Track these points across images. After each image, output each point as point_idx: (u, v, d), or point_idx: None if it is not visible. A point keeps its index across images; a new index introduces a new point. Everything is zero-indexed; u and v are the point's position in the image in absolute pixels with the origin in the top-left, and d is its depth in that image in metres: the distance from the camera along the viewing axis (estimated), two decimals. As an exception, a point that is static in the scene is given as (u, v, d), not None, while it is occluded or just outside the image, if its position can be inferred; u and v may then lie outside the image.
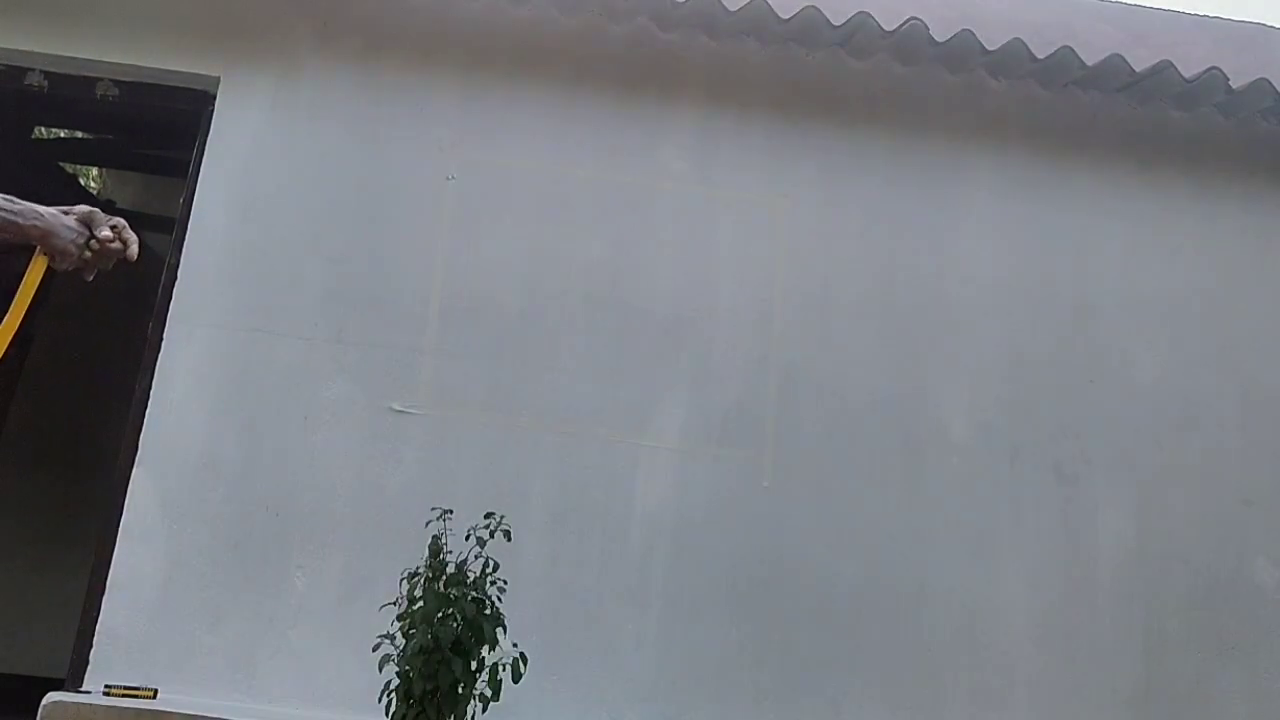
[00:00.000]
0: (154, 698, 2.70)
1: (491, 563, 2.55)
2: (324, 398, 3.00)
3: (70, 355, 4.59)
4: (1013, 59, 3.28)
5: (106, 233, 1.54)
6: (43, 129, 4.41)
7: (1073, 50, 3.23)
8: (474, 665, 2.45)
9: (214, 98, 3.22)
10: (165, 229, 3.81)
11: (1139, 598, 3.09)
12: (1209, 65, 3.25)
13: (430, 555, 2.54)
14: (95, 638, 2.81)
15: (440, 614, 2.44)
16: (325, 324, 3.06)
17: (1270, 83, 3.26)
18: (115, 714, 2.63)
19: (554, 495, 3.00)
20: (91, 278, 1.60)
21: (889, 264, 3.27)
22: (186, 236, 3.10)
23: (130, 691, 2.69)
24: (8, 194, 1.58)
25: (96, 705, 2.65)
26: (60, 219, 1.54)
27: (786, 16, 3.18)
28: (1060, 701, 3.02)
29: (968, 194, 3.36)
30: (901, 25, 3.20)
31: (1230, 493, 3.18)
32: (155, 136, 3.96)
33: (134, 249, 1.57)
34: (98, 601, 2.83)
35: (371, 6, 3.30)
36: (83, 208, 1.57)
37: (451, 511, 2.60)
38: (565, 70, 3.32)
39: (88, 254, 1.53)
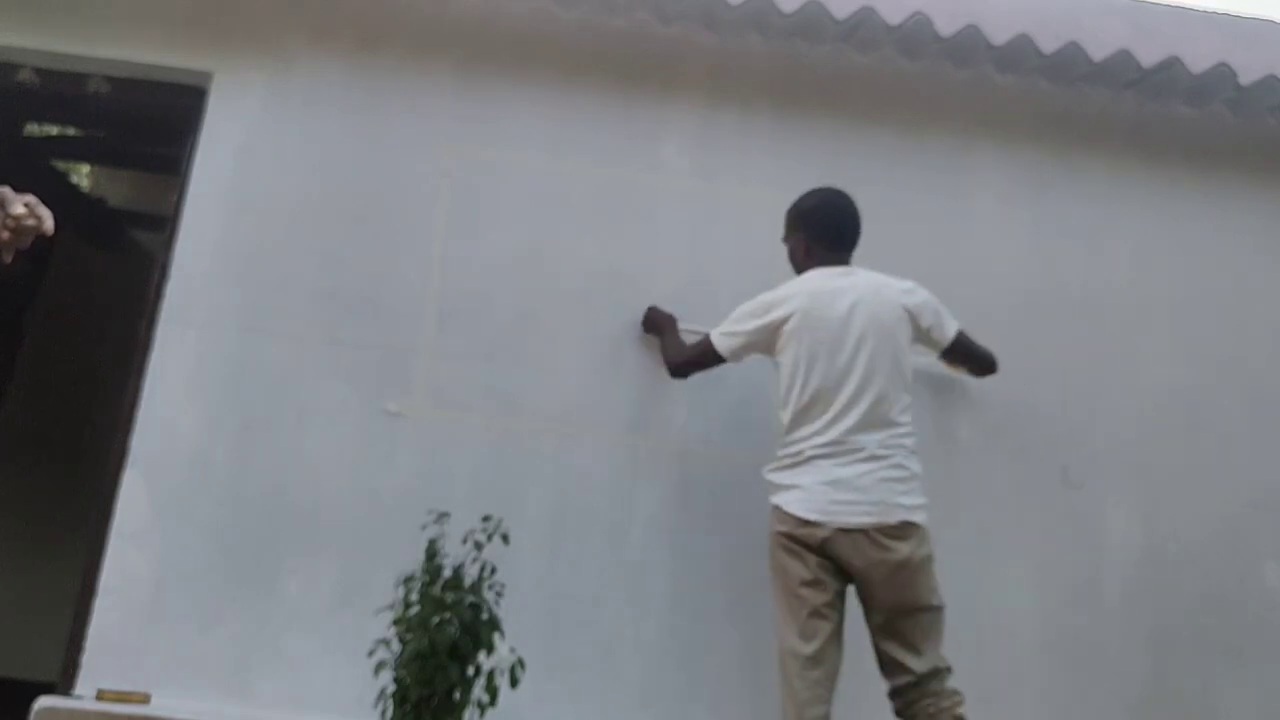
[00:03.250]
0: (147, 703, 2.67)
1: (489, 566, 2.53)
2: (318, 399, 2.96)
3: (61, 355, 4.57)
4: (1019, 54, 3.24)
5: (20, 209, 1.54)
6: (34, 126, 4.38)
7: (1079, 46, 3.19)
8: (471, 670, 2.43)
9: (206, 94, 3.18)
10: (157, 227, 3.78)
11: (1146, 601, 3.06)
12: (1217, 61, 3.22)
13: (426, 559, 2.52)
14: (86, 641, 2.77)
15: (436, 619, 2.42)
16: (319, 324, 3.02)
17: (1279, 79, 3.23)
18: (107, 719, 2.60)
19: (552, 498, 2.96)
20: (10, 258, 1.60)
21: (894, 261, 3.22)
22: (178, 235, 3.06)
23: (123, 696, 2.66)
24: None
25: (89, 710, 2.63)
26: None
27: (789, 10, 3.15)
28: (1065, 706, 2.99)
29: (974, 191, 3.33)
30: (906, 20, 3.16)
31: (1239, 495, 3.14)
32: (147, 133, 3.93)
33: (49, 223, 1.58)
34: (89, 605, 2.80)
35: (366, 1, 3.26)
36: None
37: (448, 514, 2.57)
38: (563, 65, 3.28)
39: (4, 233, 1.54)
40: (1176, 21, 3.51)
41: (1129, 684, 3.00)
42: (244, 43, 3.21)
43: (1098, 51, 3.21)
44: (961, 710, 2.38)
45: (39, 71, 3.25)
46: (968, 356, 2.81)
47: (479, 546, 2.52)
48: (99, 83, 3.26)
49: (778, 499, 2.53)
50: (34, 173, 4.30)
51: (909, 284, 2.68)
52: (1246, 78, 3.23)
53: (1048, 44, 3.21)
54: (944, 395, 3.13)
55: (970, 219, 3.31)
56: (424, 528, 2.56)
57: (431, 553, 2.52)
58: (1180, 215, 3.38)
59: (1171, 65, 3.21)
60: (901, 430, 2.53)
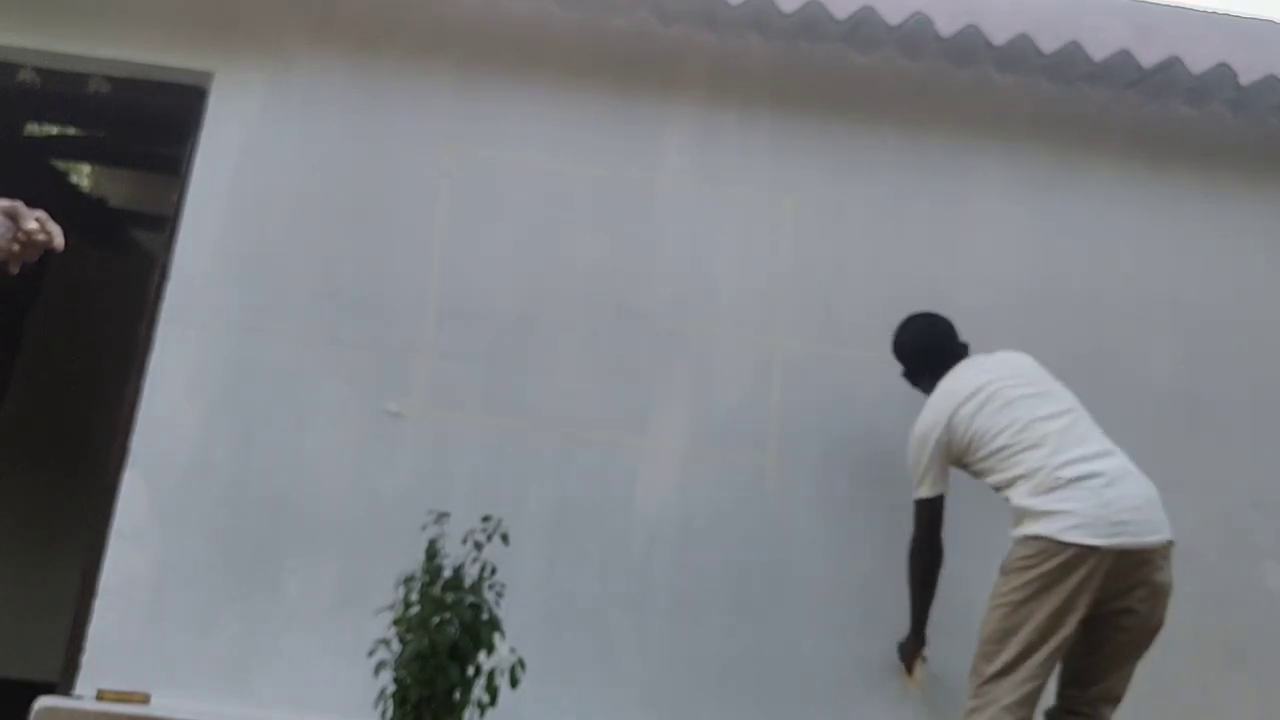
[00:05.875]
0: (147, 703, 2.66)
1: (489, 566, 2.52)
2: (318, 400, 2.96)
3: (62, 355, 4.56)
4: (1020, 54, 3.23)
5: (33, 224, 1.57)
6: (34, 126, 4.37)
7: (1080, 46, 3.19)
8: (471, 671, 2.43)
9: (206, 94, 3.18)
10: (157, 227, 3.78)
11: (1146, 601, 3.06)
12: (1218, 61, 3.21)
13: (426, 559, 2.52)
14: (86, 642, 2.77)
15: (436, 619, 2.42)
16: (319, 325, 3.01)
17: (1279, 79, 3.22)
18: (107, 719, 2.60)
19: (553, 498, 2.96)
20: (16, 270, 1.63)
21: (894, 262, 3.23)
22: (178, 235, 3.06)
23: (123, 696, 2.66)
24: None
25: (88, 710, 2.62)
26: None
27: (789, 10, 3.14)
28: (1066, 706, 2.98)
29: (974, 190, 3.32)
30: (906, 20, 3.16)
31: (1240, 495, 3.14)
32: (147, 133, 3.93)
33: (59, 240, 1.61)
34: (89, 605, 2.80)
35: (366, 1, 3.26)
36: (5, 202, 1.60)
37: (448, 515, 2.57)
38: (564, 66, 3.28)
39: (15, 246, 1.58)
40: (1176, 21, 3.51)
41: (1129, 683, 2.99)
42: (244, 43, 3.21)
43: (1098, 51, 3.21)
44: None
45: (39, 71, 3.24)
46: None
47: (479, 546, 2.52)
48: (99, 83, 3.26)
49: (1040, 528, 2.33)
50: (34, 173, 4.30)
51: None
52: (1246, 78, 3.23)
53: (1048, 44, 3.20)
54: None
55: (970, 219, 3.30)
56: (424, 528, 2.56)
57: (431, 553, 2.52)
58: (1180, 215, 3.38)
59: (1171, 65, 3.21)
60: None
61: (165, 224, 3.19)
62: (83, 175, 5.20)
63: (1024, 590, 2.33)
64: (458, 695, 2.40)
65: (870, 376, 3.12)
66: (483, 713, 2.44)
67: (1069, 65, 3.26)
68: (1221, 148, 3.41)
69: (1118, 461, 2.41)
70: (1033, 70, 3.31)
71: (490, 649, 2.44)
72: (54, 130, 4.43)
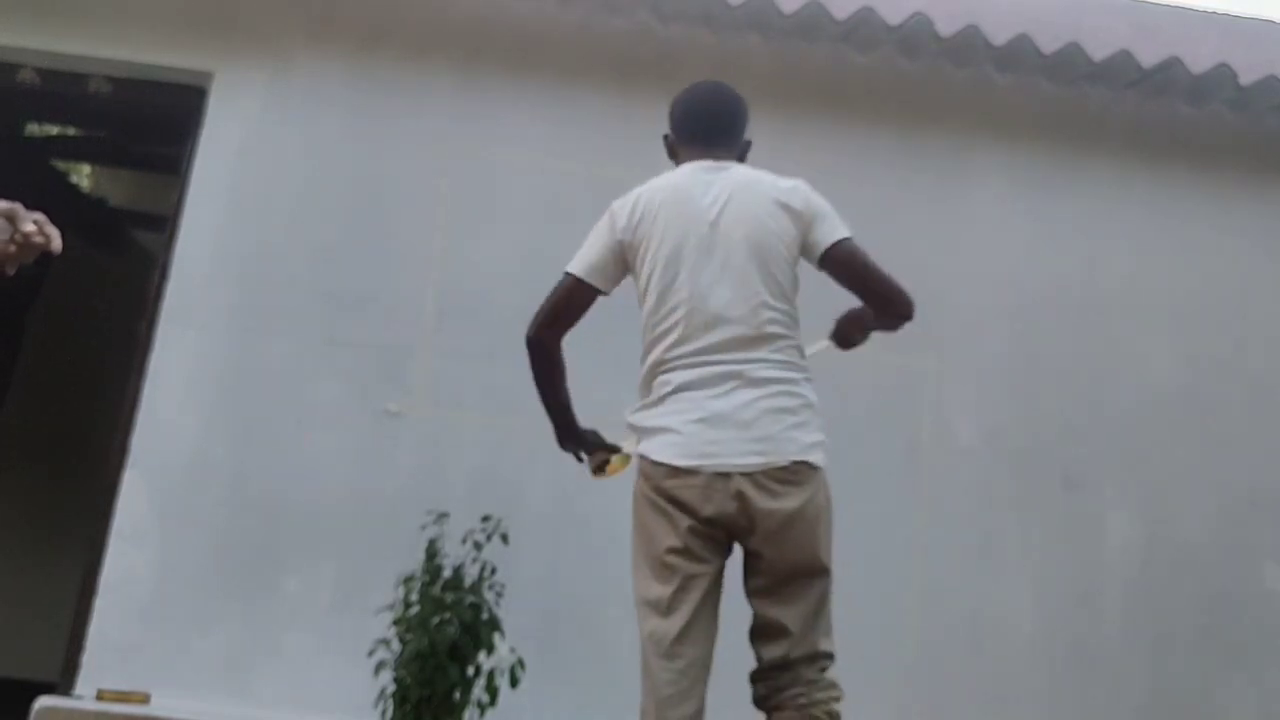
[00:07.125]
0: (146, 702, 2.67)
1: (489, 566, 2.53)
2: (317, 399, 2.96)
3: (62, 355, 4.56)
4: (1019, 54, 3.24)
5: (30, 226, 1.57)
6: (34, 126, 4.38)
7: (1080, 46, 3.19)
8: (471, 670, 2.43)
9: (206, 94, 3.18)
10: (157, 227, 3.78)
11: (1146, 602, 3.06)
12: (1217, 61, 3.21)
13: (426, 559, 2.52)
14: (87, 641, 2.77)
15: (436, 619, 2.42)
16: (319, 324, 3.02)
17: (1279, 79, 3.22)
18: (107, 719, 2.61)
19: (552, 498, 2.96)
20: (13, 271, 1.63)
21: (894, 261, 3.19)
22: (178, 235, 3.06)
23: (123, 696, 2.66)
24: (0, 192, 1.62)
25: (88, 710, 2.63)
26: None
27: (789, 11, 3.14)
28: (1066, 708, 2.98)
29: (974, 190, 3.32)
30: (906, 20, 3.16)
31: (1239, 496, 3.14)
32: (147, 133, 3.93)
33: (57, 243, 1.61)
34: (89, 605, 2.81)
35: (366, 1, 3.26)
36: (3, 203, 1.60)
37: (447, 514, 2.57)
38: (563, 65, 3.28)
39: (11, 248, 1.57)
40: (1176, 21, 3.51)
41: (1130, 684, 3.00)
42: (244, 43, 3.21)
43: (1098, 51, 3.21)
44: (837, 707, 1.88)
45: (39, 71, 3.25)
46: (855, 278, 2.15)
47: (479, 546, 2.52)
48: (99, 83, 3.27)
49: (643, 446, 2.04)
50: (34, 173, 4.30)
51: (794, 182, 2.15)
52: (1246, 78, 3.23)
53: (1048, 44, 3.20)
54: (944, 397, 3.13)
55: (970, 219, 3.30)
56: (424, 528, 2.56)
57: (431, 553, 2.52)
58: (1180, 215, 3.38)
59: (1171, 65, 3.21)
60: (784, 343, 2.01)
61: (165, 224, 3.20)
62: (83, 175, 5.20)
63: (636, 529, 2.04)
64: (458, 695, 2.40)
65: (869, 375, 3.11)
66: (483, 713, 2.44)
67: (1069, 65, 3.26)
68: (1221, 148, 3.41)
69: (749, 370, 1.96)
70: (1033, 70, 3.31)
71: (490, 649, 2.44)
72: (54, 130, 4.43)
